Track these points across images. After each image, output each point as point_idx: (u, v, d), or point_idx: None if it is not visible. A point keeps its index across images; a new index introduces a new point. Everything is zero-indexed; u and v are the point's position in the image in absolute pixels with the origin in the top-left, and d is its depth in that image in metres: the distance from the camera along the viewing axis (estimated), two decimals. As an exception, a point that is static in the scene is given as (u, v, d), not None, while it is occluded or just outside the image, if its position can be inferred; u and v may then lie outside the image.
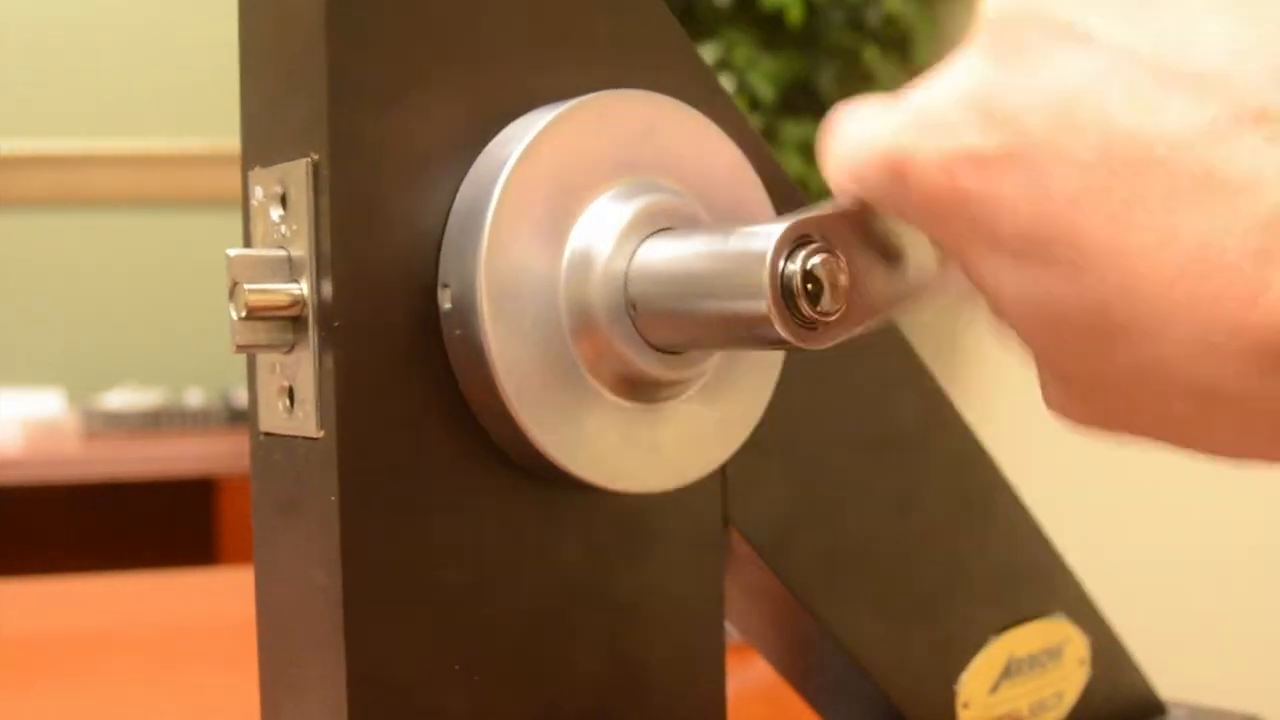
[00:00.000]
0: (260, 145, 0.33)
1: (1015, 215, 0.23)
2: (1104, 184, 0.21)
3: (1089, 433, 0.26)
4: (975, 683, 0.43)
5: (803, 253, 0.28)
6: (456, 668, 0.32)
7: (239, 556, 2.10)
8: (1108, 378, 0.23)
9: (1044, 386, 0.26)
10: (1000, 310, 0.25)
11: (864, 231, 0.29)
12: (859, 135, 0.26)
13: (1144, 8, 0.22)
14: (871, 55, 1.97)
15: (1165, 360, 0.22)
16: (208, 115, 2.24)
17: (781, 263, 0.28)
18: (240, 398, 2.33)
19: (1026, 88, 0.23)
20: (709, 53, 1.90)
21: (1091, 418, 0.25)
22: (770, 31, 1.96)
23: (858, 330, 0.29)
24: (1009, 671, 0.44)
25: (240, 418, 2.30)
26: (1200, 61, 0.21)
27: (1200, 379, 0.22)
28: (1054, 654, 0.46)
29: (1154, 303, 0.21)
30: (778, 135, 1.93)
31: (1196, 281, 0.21)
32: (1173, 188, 0.21)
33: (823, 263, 0.28)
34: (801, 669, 0.45)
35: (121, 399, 2.37)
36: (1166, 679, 0.51)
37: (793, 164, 1.90)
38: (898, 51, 2.01)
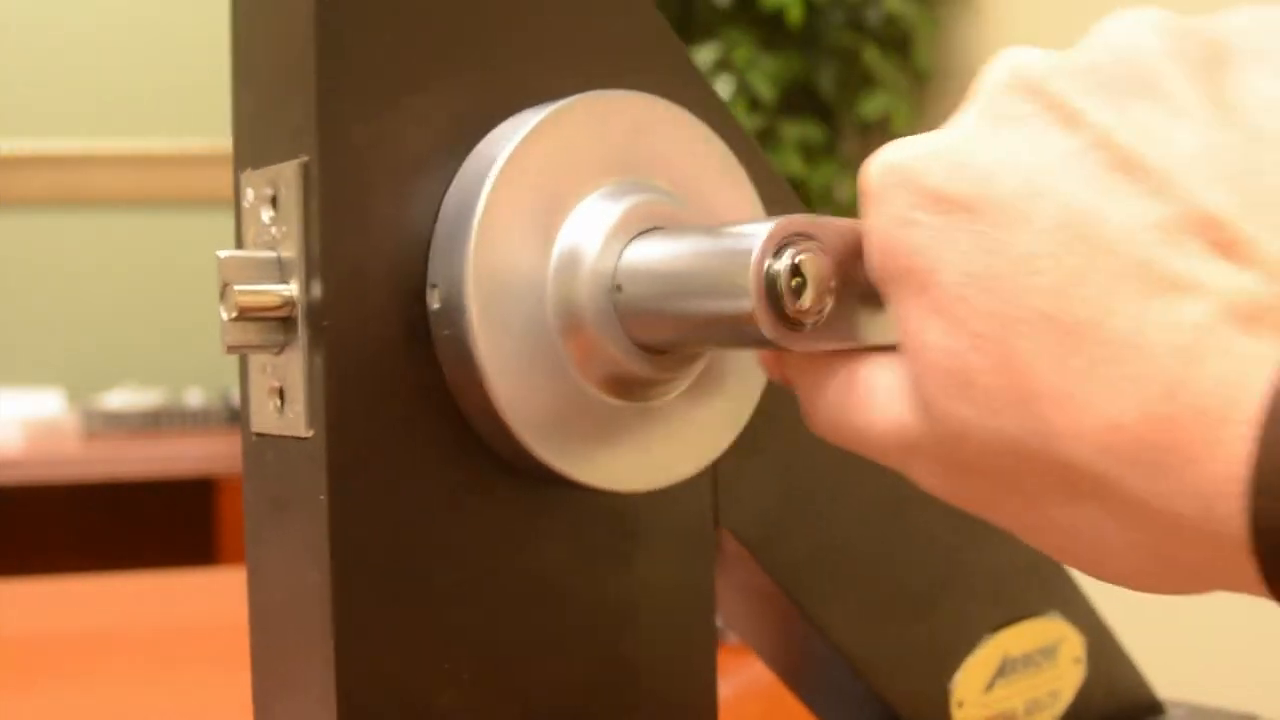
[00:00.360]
0: (252, 147, 0.33)
1: (964, 261, 0.23)
2: (1053, 253, 0.22)
3: (946, 498, 0.27)
4: (969, 682, 0.43)
5: (789, 251, 0.28)
6: (445, 666, 0.32)
7: (239, 556, 2.09)
8: (997, 450, 0.23)
9: (914, 458, 0.26)
10: (917, 357, 0.25)
11: (860, 253, 0.29)
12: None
13: (1131, 99, 0.23)
14: (871, 55, 1.97)
15: (1073, 435, 0.22)
16: (208, 115, 2.24)
17: (768, 262, 0.28)
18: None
19: (1004, 149, 0.24)
20: (709, 53, 1.90)
21: (958, 494, 0.26)
22: (770, 31, 1.96)
23: (844, 345, 0.29)
24: (1003, 670, 0.44)
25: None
26: (1165, 159, 0.22)
27: (1098, 467, 0.22)
28: (1049, 653, 0.46)
29: (1074, 376, 0.22)
30: (778, 135, 1.93)
31: (1121, 365, 0.21)
32: (1116, 272, 0.21)
33: (809, 259, 0.28)
34: (796, 668, 0.45)
35: (121, 399, 2.38)
36: (1165, 678, 0.51)
37: (793, 164, 1.90)
38: (898, 51, 2.01)
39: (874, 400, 0.27)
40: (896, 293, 0.25)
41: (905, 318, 0.25)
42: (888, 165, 0.26)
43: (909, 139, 0.26)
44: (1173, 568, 0.22)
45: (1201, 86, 0.23)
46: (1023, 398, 0.22)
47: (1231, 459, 0.20)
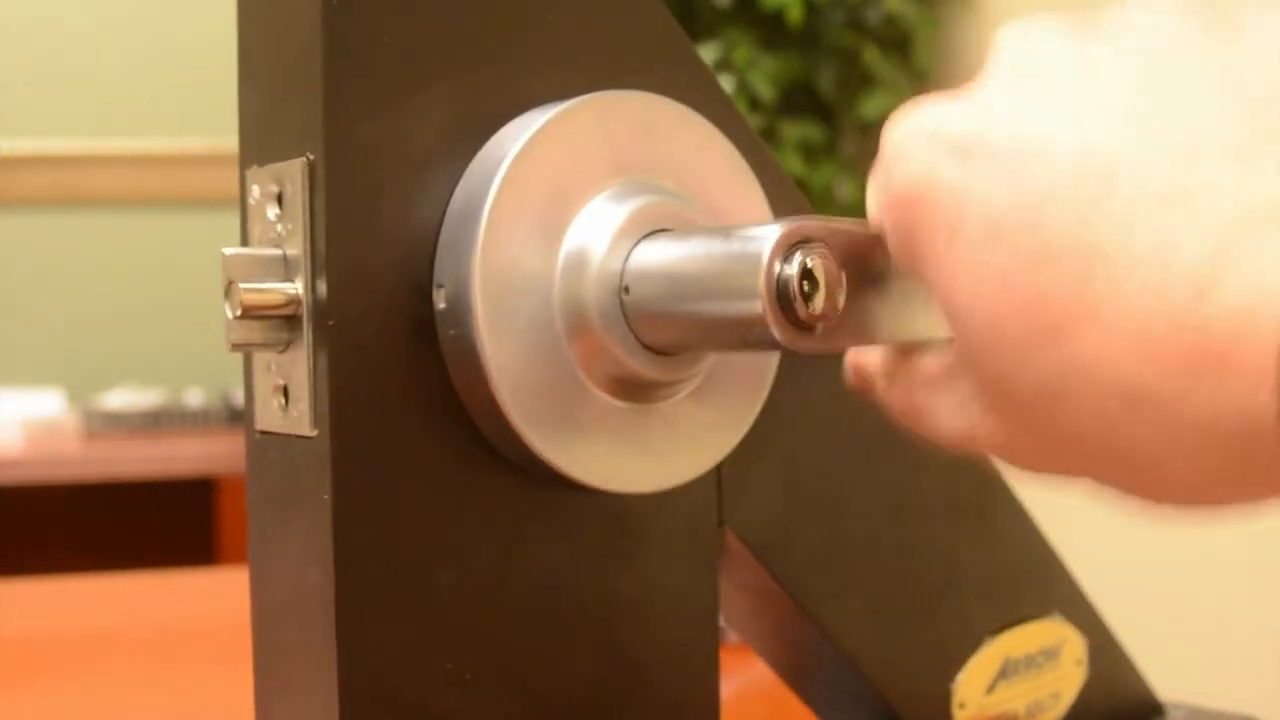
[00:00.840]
0: (258, 145, 0.33)
1: (986, 204, 0.24)
2: (1072, 181, 0.23)
3: (1023, 469, 0.27)
4: (971, 683, 0.43)
5: (799, 254, 0.28)
6: (449, 666, 0.32)
7: (239, 556, 2.10)
8: (1039, 381, 0.24)
9: (977, 423, 0.27)
10: (951, 305, 0.25)
11: (869, 254, 0.29)
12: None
13: (1135, 41, 0.24)
14: (871, 55, 1.97)
15: (1102, 357, 0.22)
16: (208, 115, 2.24)
17: (778, 265, 0.28)
18: (240, 397, 2.33)
19: (1019, 94, 0.25)
20: (709, 53, 1.90)
21: (1021, 441, 0.26)
22: (770, 31, 1.96)
23: (855, 345, 0.29)
24: (1005, 672, 0.44)
25: (240, 417, 2.30)
26: (1174, 84, 0.23)
27: (1132, 381, 0.22)
28: (1051, 654, 0.46)
29: (1106, 293, 0.22)
30: (778, 135, 1.93)
31: (1149, 272, 0.21)
32: (1135, 192, 0.22)
33: (820, 262, 0.28)
34: (798, 669, 0.45)
35: (121, 399, 2.37)
36: (1165, 680, 0.51)
37: (793, 164, 1.90)
38: (898, 51, 2.01)
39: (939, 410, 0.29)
40: (924, 255, 0.26)
41: (937, 278, 0.25)
42: (906, 124, 0.26)
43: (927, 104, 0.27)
44: (1219, 474, 0.23)
45: (1204, 28, 0.24)
46: (1049, 333, 0.23)
47: (1264, 353, 0.20)
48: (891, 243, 0.27)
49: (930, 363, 0.30)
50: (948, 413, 0.28)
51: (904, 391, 0.30)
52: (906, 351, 0.31)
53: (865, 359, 0.32)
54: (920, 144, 0.26)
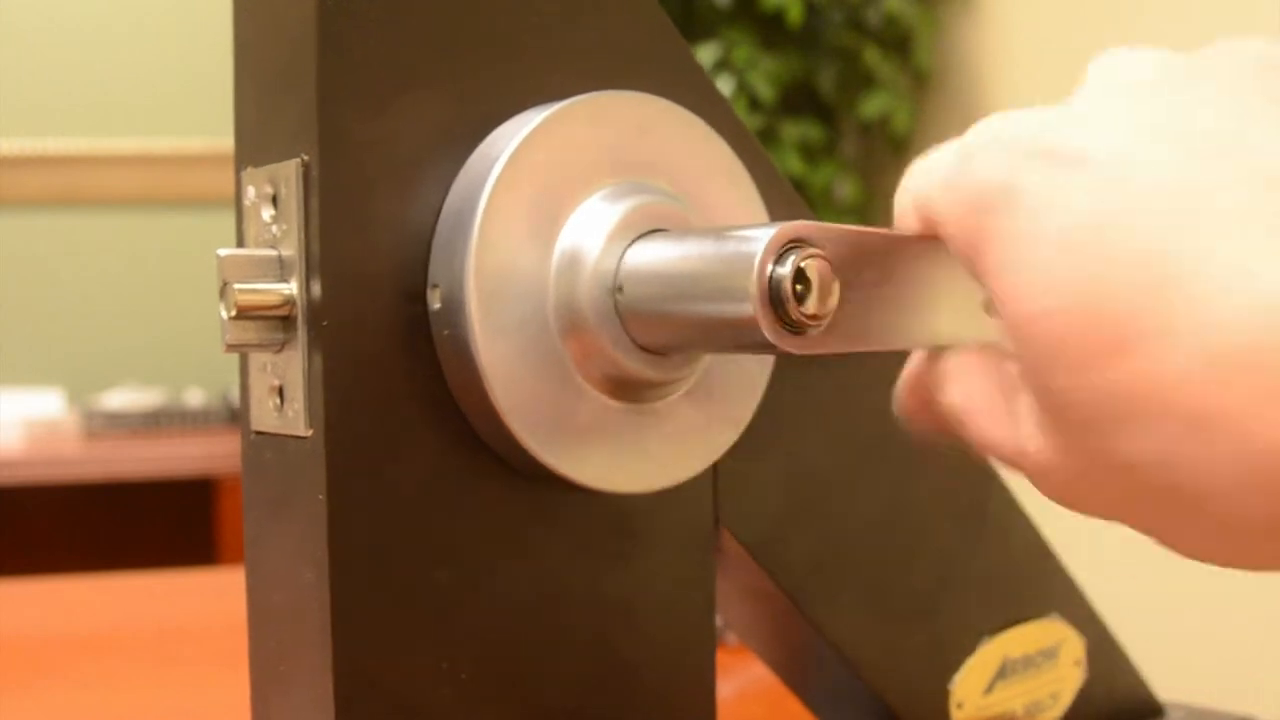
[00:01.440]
0: (253, 145, 0.33)
1: (1066, 212, 0.24)
2: (1158, 201, 0.23)
3: (1067, 501, 0.26)
4: (969, 683, 0.43)
5: (793, 256, 0.28)
6: (444, 666, 0.32)
7: (239, 556, 2.09)
8: (1103, 398, 0.23)
9: (1029, 439, 0.26)
10: (1016, 312, 0.25)
11: (863, 256, 0.29)
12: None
13: (1241, 87, 0.24)
14: (871, 55, 1.97)
15: (1172, 375, 0.22)
16: (208, 115, 2.24)
17: (770, 266, 0.28)
18: (240, 398, 2.33)
19: (1116, 115, 0.25)
20: (709, 53, 1.90)
21: (1072, 465, 0.25)
22: (770, 31, 1.96)
23: (848, 349, 0.29)
24: (1003, 672, 0.44)
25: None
26: (1273, 133, 0.23)
27: (1201, 402, 0.22)
28: (1049, 655, 0.46)
29: (1182, 311, 0.22)
30: (778, 135, 1.93)
31: (1228, 291, 0.21)
32: (1221, 213, 0.22)
33: (813, 264, 0.28)
34: (795, 669, 0.44)
35: (121, 399, 2.38)
36: (1164, 680, 0.51)
37: (792, 164, 1.90)
38: (898, 51, 2.01)
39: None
40: (993, 258, 0.25)
41: (1003, 284, 0.25)
42: (989, 127, 0.26)
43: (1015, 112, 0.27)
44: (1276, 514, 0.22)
45: None
46: (1118, 347, 0.22)
47: None
48: (956, 242, 0.27)
49: (992, 368, 0.29)
50: (1001, 424, 0.28)
51: (961, 395, 0.29)
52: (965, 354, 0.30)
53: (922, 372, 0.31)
54: (1003, 146, 0.25)
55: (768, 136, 1.92)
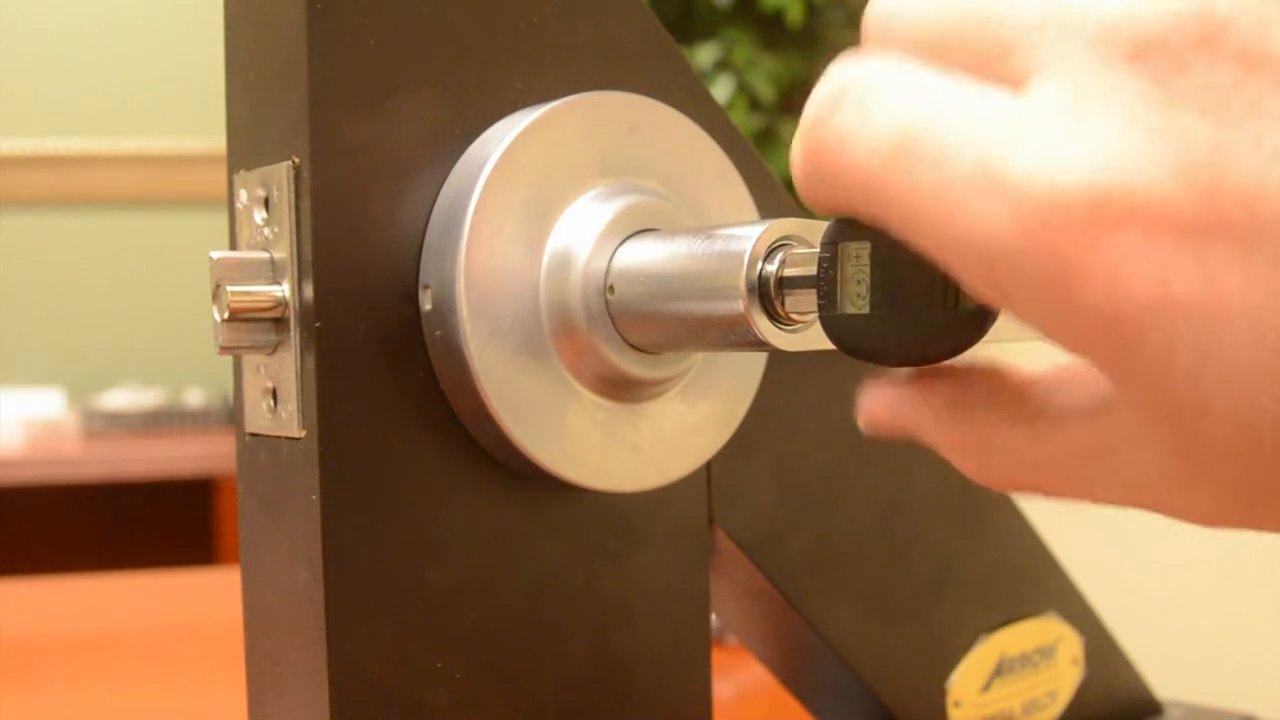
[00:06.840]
0: (245, 149, 0.33)
1: (1247, 312, 0.19)
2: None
3: (1225, 516, 0.23)
4: (966, 682, 0.43)
5: (781, 254, 0.28)
6: (438, 665, 0.32)
7: (238, 556, 2.10)
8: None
9: (1168, 489, 0.22)
10: (1199, 433, 0.20)
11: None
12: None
13: None
14: (871, 54, 1.96)
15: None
16: (208, 115, 2.24)
17: (760, 264, 0.28)
18: (241, 398, 2.33)
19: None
20: (709, 53, 1.90)
21: (1227, 507, 0.22)
22: (770, 31, 1.96)
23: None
24: (1001, 670, 0.44)
25: (241, 418, 2.30)
26: None
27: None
28: (1047, 653, 0.46)
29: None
30: (778, 135, 1.93)
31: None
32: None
33: (804, 261, 0.28)
34: (792, 669, 0.44)
35: (121, 399, 2.38)
36: (1163, 678, 0.51)
37: (792, 163, 1.90)
38: (897, 50, 2.01)
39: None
40: (1157, 385, 0.20)
41: (1178, 411, 0.20)
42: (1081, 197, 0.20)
43: None
44: None
45: None
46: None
47: None
48: (1097, 368, 0.21)
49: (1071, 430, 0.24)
50: (1106, 480, 0.23)
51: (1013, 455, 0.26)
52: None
53: (897, 393, 0.28)
54: (1134, 241, 0.19)
55: (768, 136, 1.91)
